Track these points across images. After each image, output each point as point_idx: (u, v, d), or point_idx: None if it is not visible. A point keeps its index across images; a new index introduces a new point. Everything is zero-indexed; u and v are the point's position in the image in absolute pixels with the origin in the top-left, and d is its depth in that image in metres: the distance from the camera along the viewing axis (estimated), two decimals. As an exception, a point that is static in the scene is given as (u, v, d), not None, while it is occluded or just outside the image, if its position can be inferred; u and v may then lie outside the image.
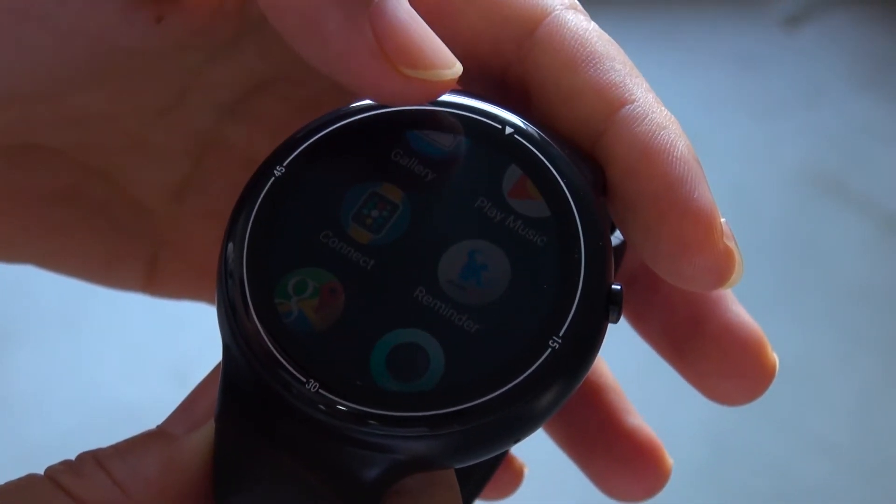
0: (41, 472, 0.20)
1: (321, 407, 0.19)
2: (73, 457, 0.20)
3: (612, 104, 0.21)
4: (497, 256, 0.20)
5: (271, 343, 0.19)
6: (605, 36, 0.22)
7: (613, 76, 0.21)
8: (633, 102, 0.21)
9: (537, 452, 0.32)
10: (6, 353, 0.87)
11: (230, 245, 0.20)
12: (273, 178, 0.21)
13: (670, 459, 0.27)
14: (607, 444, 0.27)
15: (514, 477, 0.30)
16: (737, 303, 0.25)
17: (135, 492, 0.20)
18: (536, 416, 0.19)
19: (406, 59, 0.20)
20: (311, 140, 0.21)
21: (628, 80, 0.21)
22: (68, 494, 0.19)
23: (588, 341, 0.19)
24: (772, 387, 0.26)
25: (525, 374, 0.19)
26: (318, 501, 0.19)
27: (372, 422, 0.19)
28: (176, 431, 0.21)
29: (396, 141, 0.21)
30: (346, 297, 0.20)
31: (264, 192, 0.20)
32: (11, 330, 0.88)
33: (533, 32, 0.21)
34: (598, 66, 0.21)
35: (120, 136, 0.26)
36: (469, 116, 0.21)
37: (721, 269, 0.20)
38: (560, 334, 0.19)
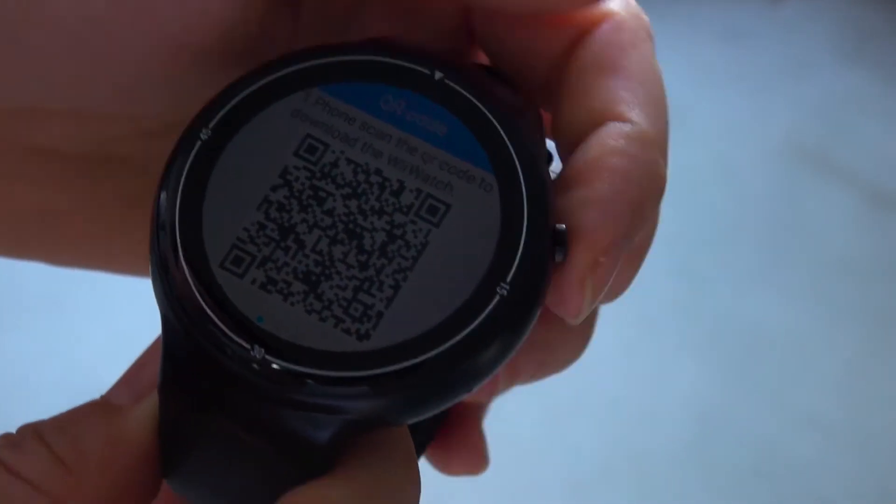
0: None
1: (256, 368, 0.18)
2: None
3: (605, 114, 0.20)
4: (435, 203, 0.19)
5: (203, 299, 0.18)
6: (654, 64, 0.21)
7: (627, 95, 0.20)
8: (627, 122, 0.20)
9: (523, 428, 0.31)
10: (-13, 335, 0.86)
11: (163, 195, 0.19)
12: (200, 142, 0.20)
13: None
14: None
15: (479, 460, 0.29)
16: None
17: (76, 466, 0.19)
18: (488, 365, 0.18)
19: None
20: (236, 99, 0.20)
21: (640, 107, 0.20)
22: (6, 469, 0.19)
23: (537, 285, 0.19)
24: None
25: (474, 325, 0.18)
26: (270, 467, 0.19)
27: (309, 382, 0.18)
28: (120, 402, 0.20)
29: (318, 94, 0.20)
30: None
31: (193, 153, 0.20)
32: (-7, 312, 0.88)
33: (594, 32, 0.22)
34: (621, 80, 0.21)
35: None
36: (397, 63, 0.20)
37: None
38: (508, 280, 0.18)
